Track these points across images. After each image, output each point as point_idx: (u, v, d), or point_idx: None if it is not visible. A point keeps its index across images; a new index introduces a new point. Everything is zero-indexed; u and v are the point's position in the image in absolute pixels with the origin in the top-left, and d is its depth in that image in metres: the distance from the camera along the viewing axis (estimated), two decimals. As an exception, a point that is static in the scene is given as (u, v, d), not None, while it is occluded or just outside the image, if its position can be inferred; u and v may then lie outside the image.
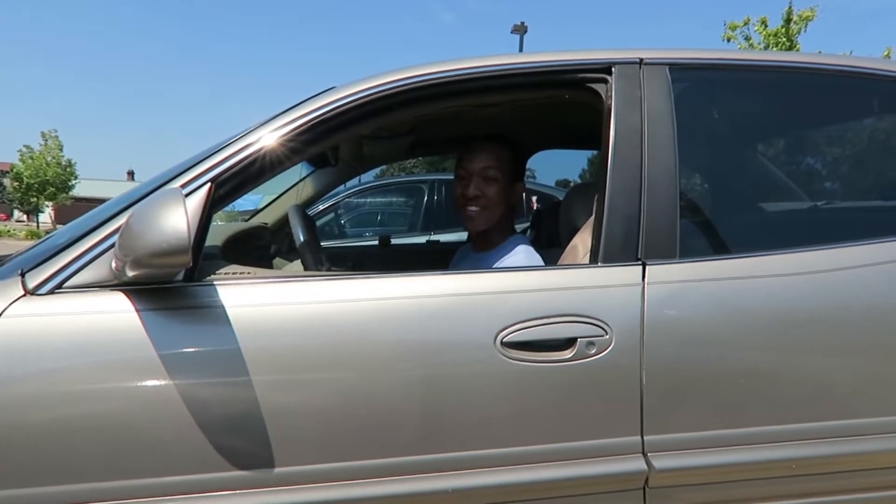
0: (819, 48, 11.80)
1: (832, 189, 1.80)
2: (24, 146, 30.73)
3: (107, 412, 1.08)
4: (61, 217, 39.36)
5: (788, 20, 11.67)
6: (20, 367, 1.08)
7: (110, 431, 1.08)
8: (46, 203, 32.62)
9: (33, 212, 33.99)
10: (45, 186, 30.10)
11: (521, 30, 16.13)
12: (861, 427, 1.25)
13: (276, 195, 2.61)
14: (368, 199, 5.99)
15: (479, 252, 1.75)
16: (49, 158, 30.49)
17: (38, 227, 32.10)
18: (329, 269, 1.61)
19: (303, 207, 1.70)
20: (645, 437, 1.19)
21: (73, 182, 31.83)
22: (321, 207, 5.27)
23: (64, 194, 31.31)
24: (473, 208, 1.67)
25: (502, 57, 1.42)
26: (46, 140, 31.05)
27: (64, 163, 31.13)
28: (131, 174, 57.99)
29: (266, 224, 2.40)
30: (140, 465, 1.08)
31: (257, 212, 2.64)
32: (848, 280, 1.28)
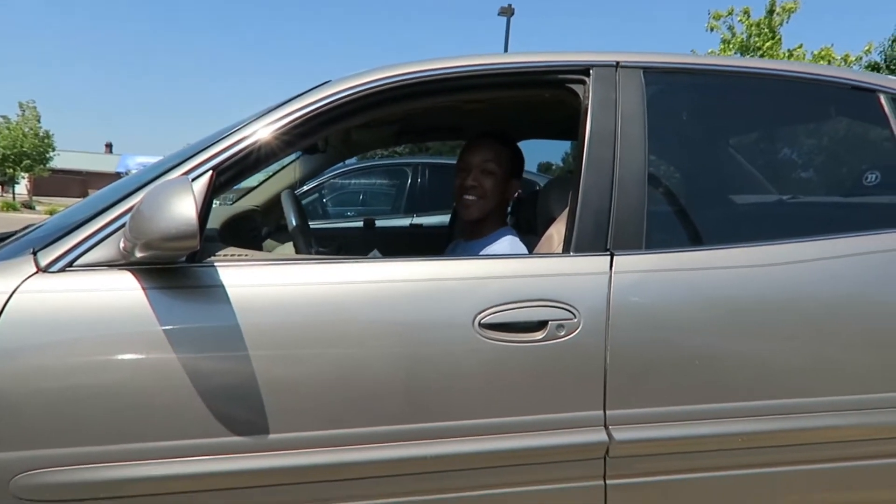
0: (800, 40, 11.95)
1: (791, 188, 1.92)
2: (1, 116, 30.11)
3: (115, 382, 1.17)
4: (38, 189, 38.79)
5: (771, 11, 11.80)
6: (35, 339, 1.16)
7: (119, 399, 1.17)
8: (22, 175, 32.05)
9: (9, 183, 33.37)
10: (21, 158, 29.55)
11: (507, 12, 16.13)
12: (805, 406, 1.36)
13: (264, 178, 2.69)
14: (353, 181, 6.05)
15: (469, 240, 1.87)
16: (27, 129, 29.89)
17: (13, 198, 31.57)
18: (318, 252, 1.71)
19: (294, 192, 1.79)
20: (607, 412, 1.31)
21: (51, 154, 31.28)
22: (305, 188, 5.33)
23: (41, 166, 30.78)
24: (470, 197, 1.79)
25: (489, 57, 1.52)
26: (24, 111, 30.43)
27: (41, 134, 30.57)
28: (109, 147, 57.00)
29: (257, 207, 2.48)
30: (146, 430, 1.18)
31: (246, 193, 2.72)
32: (797, 273, 1.40)
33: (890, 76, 1.78)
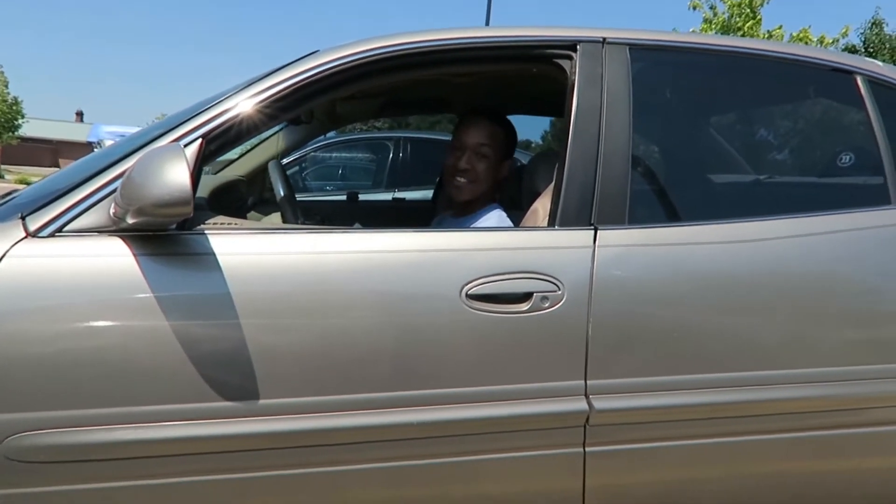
0: (780, 21, 12.03)
1: (771, 165, 1.97)
2: (-32, 82, 29.20)
3: (105, 346, 1.18)
4: (7, 158, 37.81)
5: (753, -8, 11.84)
6: (25, 303, 1.17)
7: (108, 364, 1.18)
8: (-10, 141, 31.23)
9: (-24, 151, 32.52)
10: (-12, 125, 28.77)
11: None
12: (776, 378, 1.42)
13: (246, 150, 2.67)
14: (334, 154, 6.02)
15: (456, 216, 1.88)
16: (-6, 95, 29.06)
17: (-19, 166, 30.78)
18: (304, 222, 1.72)
19: (281, 163, 1.79)
20: (588, 382, 1.35)
21: (20, 121, 30.47)
22: (285, 161, 5.29)
23: (10, 134, 29.99)
24: (462, 180, 1.79)
25: (477, 30, 1.53)
26: (-9, 76, 29.55)
27: (10, 100, 29.73)
28: (80, 115, 55.68)
29: (242, 177, 2.47)
30: (135, 395, 1.19)
31: (226, 165, 2.70)
32: (771, 250, 1.45)
33: (868, 58, 1.83)
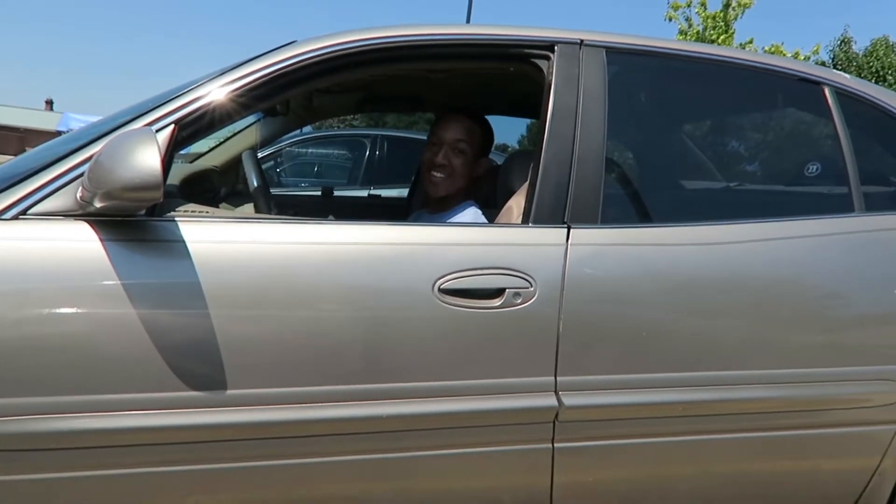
0: (752, 34, 12.27)
1: (740, 172, 2.00)
2: (-69, 64, 28.32)
3: (69, 333, 1.16)
4: (-28, 144, 36.80)
5: (727, 5, 12.08)
6: None
7: (73, 351, 1.16)
8: (-45, 128, 30.36)
9: (-61, 136, 31.56)
10: (-48, 110, 27.97)
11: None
12: (742, 378, 1.44)
13: (222, 139, 2.64)
14: (309, 150, 5.98)
15: (433, 213, 1.89)
16: (-41, 80, 28.26)
17: (-55, 153, 29.92)
18: (278, 215, 1.70)
19: (255, 153, 1.77)
20: (558, 378, 1.35)
21: (-13, 108, 29.72)
22: (260, 155, 5.23)
23: (-25, 120, 29.23)
24: (438, 175, 1.81)
25: (457, 27, 1.54)
26: (-44, 59, 28.72)
27: (-24, 86, 28.97)
28: (50, 103, 54.36)
29: (215, 167, 2.44)
30: (101, 383, 1.17)
31: (202, 154, 2.66)
32: (739, 253, 1.48)
33: (836, 71, 1.87)
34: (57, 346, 1.15)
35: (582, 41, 1.54)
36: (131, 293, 1.17)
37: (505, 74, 1.76)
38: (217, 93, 1.33)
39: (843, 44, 18.68)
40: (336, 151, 6.15)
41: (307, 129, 5.69)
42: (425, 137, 2.12)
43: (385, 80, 2.13)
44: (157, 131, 1.26)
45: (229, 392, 1.22)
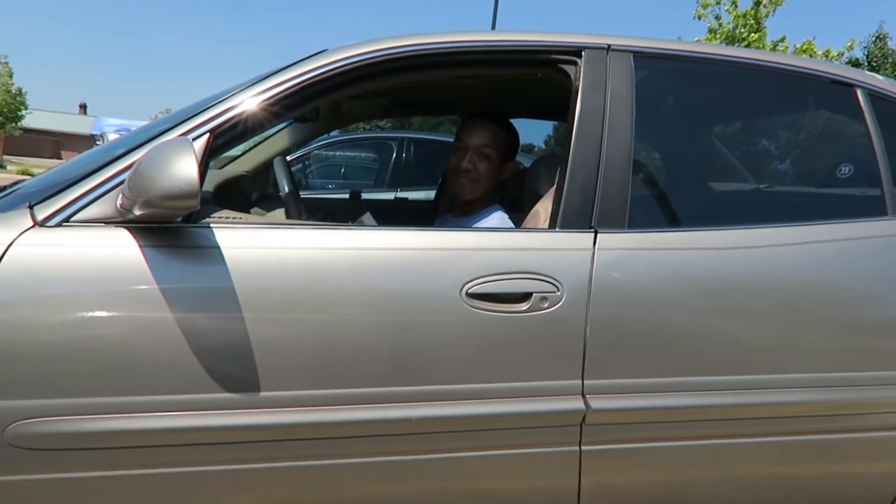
0: (784, 31, 12.06)
1: (771, 174, 1.99)
2: (-28, 71, 29.20)
3: (109, 336, 1.20)
4: (9, 148, 37.82)
5: (758, 2, 11.89)
6: (31, 291, 1.18)
7: (112, 354, 1.20)
8: (-6, 132, 31.23)
9: (-21, 140, 32.48)
10: (-8, 114, 28.76)
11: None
12: (769, 382, 1.44)
13: (252, 144, 2.69)
14: (336, 153, 6.04)
15: (458, 217, 1.91)
16: (-2, 85, 29.07)
17: (-16, 156, 30.77)
18: (307, 219, 1.74)
19: (286, 159, 1.81)
20: (585, 381, 1.36)
21: (24, 112, 30.48)
22: (289, 158, 5.30)
23: (13, 125, 29.99)
24: (464, 179, 1.83)
25: (484, 34, 1.55)
26: (-4, 66, 29.57)
27: (14, 91, 29.74)
28: (84, 108, 55.64)
29: (247, 172, 2.49)
30: (137, 384, 1.21)
31: (233, 160, 2.72)
32: (768, 257, 1.47)
33: (868, 72, 1.85)
34: (98, 349, 1.19)
35: (609, 46, 1.54)
36: (169, 297, 1.21)
37: (533, 79, 1.77)
38: (250, 102, 1.37)
39: (878, 40, 18.26)
40: (363, 154, 6.20)
41: (334, 132, 5.75)
42: (451, 139, 2.14)
43: (413, 85, 2.15)
44: (194, 140, 1.30)
45: (263, 394, 1.25)
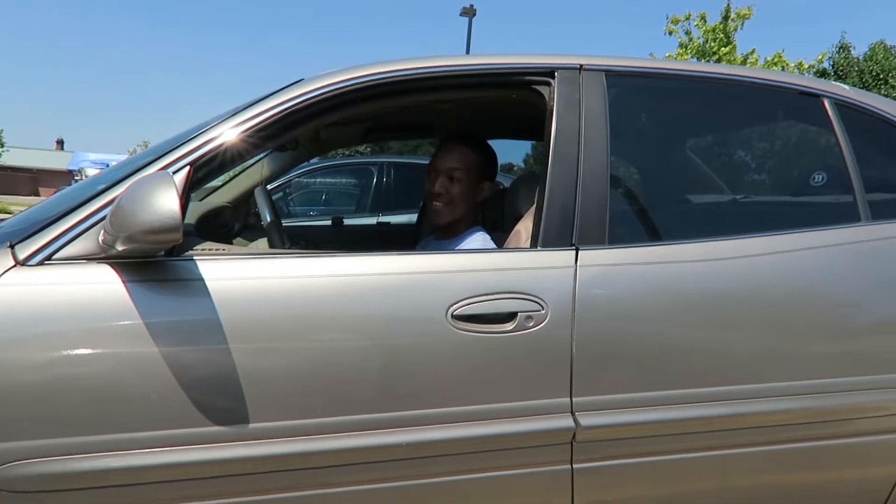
0: (754, 45, 12.36)
1: (745, 185, 2.02)
2: (-55, 110, 28.93)
3: (96, 374, 1.19)
4: (-15, 186, 37.37)
5: (727, 17, 12.18)
6: (15, 331, 1.17)
7: (99, 391, 1.19)
8: (-31, 171, 30.89)
9: (-46, 180, 32.08)
10: (-33, 153, 28.48)
11: (469, 13, 16.23)
12: (757, 391, 1.45)
13: (232, 175, 2.69)
14: (317, 180, 6.04)
15: (440, 239, 1.91)
16: (-27, 124, 28.81)
17: (-41, 196, 30.37)
18: (290, 248, 1.74)
19: (267, 188, 1.81)
20: (574, 399, 1.37)
21: (0, 150, 30.23)
22: (269, 187, 5.30)
23: (-11, 163, 29.72)
24: (437, 203, 1.83)
25: (458, 58, 1.58)
26: (-31, 105, 29.31)
27: (-11, 130, 29.51)
28: (61, 143, 55.23)
29: (227, 203, 2.49)
30: (126, 421, 1.20)
31: (213, 191, 2.72)
32: (748, 267, 1.49)
33: (835, 82, 1.90)
34: (85, 387, 1.18)
35: (581, 66, 1.58)
36: (155, 332, 1.21)
37: (508, 100, 1.80)
38: (229, 133, 1.38)
39: (841, 50, 18.73)
40: (344, 180, 6.21)
41: (314, 159, 5.76)
42: None
43: (391, 110, 2.17)
44: (174, 173, 1.30)
45: (252, 425, 1.24)
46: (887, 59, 17.95)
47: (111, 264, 1.24)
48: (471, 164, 1.85)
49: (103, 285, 1.22)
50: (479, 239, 1.82)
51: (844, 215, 1.62)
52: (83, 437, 1.18)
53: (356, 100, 1.49)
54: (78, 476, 1.18)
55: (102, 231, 1.23)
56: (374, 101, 1.55)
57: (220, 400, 1.24)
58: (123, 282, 1.22)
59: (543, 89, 1.56)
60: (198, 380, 1.23)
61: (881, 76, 17.75)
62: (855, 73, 17.87)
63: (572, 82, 1.55)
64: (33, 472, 1.16)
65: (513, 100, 1.72)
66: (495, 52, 1.63)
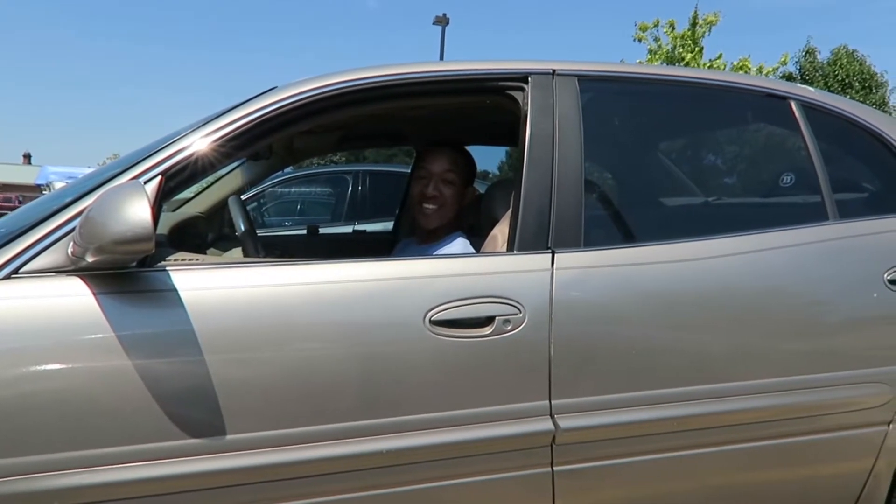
0: (721, 49, 12.57)
1: (716, 187, 2.05)
2: None
3: (67, 389, 1.16)
4: (-50, 202, 36.44)
5: (694, 24, 12.37)
6: None
7: (71, 406, 1.16)
8: (-68, 187, 30.13)
9: (-83, 196, 31.26)
10: (-69, 169, 27.79)
11: (442, 21, 16.31)
12: (733, 389, 1.47)
13: (206, 185, 2.66)
14: (293, 189, 6.00)
15: (422, 244, 1.92)
16: (-65, 139, 28.12)
17: (-77, 212, 29.61)
18: (265, 257, 1.72)
19: (240, 198, 1.79)
20: (553, 402, 1.37)
21: (-36, 165, 29.56)
22: (244, 197, 5.25)
23: (-47, 178, 29.03)
24: (430, 206, 1.85)
25: (432, 64, 1.58)
26: (-68, 119, 28.63)
27: (-47, 144, 28.83)
28: (28, 157, 54.12)
29: (201, 213, 2.46)
30: (101, 436, 1.17)
31: (186, 201, 2.68)
32: (720, 267, 1.51)
33: (801, 85, 1.94)
34: (55, 403, 1.15)
35: (554, 71, 1.59)
36: (127, 344, 1.18)
37: (482, 106, 1.81)
38: (202, 142, 1.36)
39: (807, 54, 19.16)
40: (319, 189, 6.18)
41: (289, 168, 5.72)
42: (407, 170, 2.16)
43: (365, 118, 2.17)
44: (145, 183, 1.28)
45: (229, 437, 1.22)
46: (850, 63, 18.39)
47: (81, 276, 1.21)
48: (460, 167, 1.90)
49: (73, 298, 1.19)
50: (460, 244, 1.83)
51: (813, 215, 1.65)
52: (55, 454, 1.15)
53: (330, 107, 1.49)
54: (51, 494, 1.15)
55: (72, 243, 1.20)
56: (349, 109, 1.54)
57: (197, 412, 1.22)
58: (94, 294, 1.20)
59: (517, 94, 1.57)
60: (173, 392, 1.21)
61: (846, 80, 18.18)
62: (820, 78, 18.28)
63: (546, 87, 1.56)
64: (5, 491, 1.13)
65: (487, 105, 1.73)
66: (468, 59, 1.63)
